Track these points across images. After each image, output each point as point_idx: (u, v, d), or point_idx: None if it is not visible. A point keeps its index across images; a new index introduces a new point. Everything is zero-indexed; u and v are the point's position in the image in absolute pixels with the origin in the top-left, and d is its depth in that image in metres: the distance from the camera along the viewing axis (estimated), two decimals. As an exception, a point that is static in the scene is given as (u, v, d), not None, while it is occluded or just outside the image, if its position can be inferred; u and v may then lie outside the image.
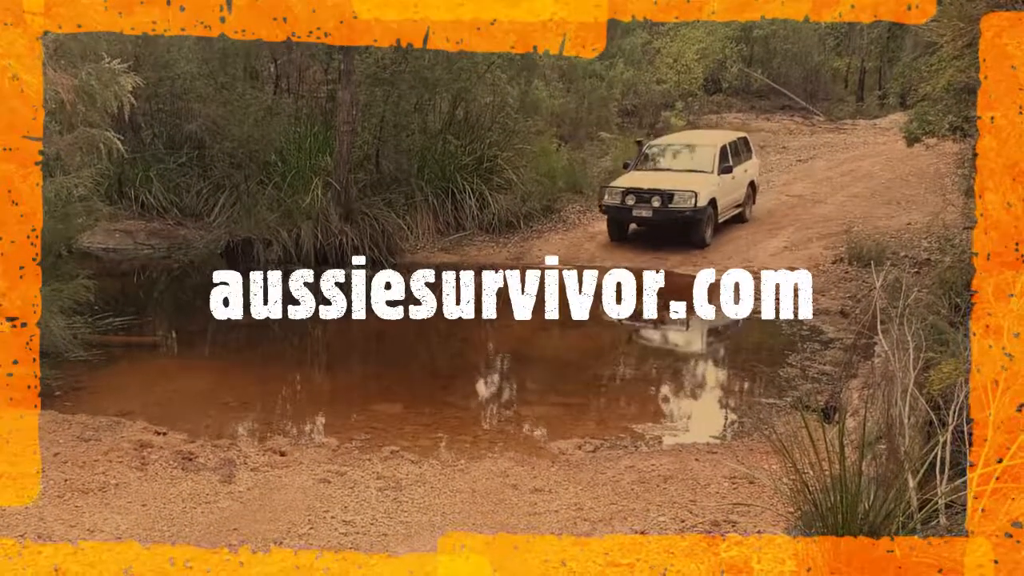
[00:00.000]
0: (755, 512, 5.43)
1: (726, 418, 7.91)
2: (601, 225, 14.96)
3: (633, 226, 14.58)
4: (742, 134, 16.71)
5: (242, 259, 13.57)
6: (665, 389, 8.89)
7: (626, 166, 15.54)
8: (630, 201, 13.84)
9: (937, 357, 5.77)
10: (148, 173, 14.37)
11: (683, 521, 5.36)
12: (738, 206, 15.24)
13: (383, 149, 15.77)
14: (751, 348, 10.04)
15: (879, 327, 7.43)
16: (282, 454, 6.42)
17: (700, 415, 7.96)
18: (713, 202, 13.98)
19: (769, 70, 27.66)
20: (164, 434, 6.76)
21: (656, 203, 13.65)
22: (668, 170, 14.67)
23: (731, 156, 14.92)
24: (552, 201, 16.16)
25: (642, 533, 5.16)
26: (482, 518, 5.43)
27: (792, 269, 12.73)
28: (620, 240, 14.43)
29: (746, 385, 8.79)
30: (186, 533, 5.05)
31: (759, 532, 5.12)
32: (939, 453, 4.50)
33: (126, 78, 7.55)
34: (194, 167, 14.85)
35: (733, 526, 5.22)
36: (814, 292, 11.80)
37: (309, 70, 16.69)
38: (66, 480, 5.75)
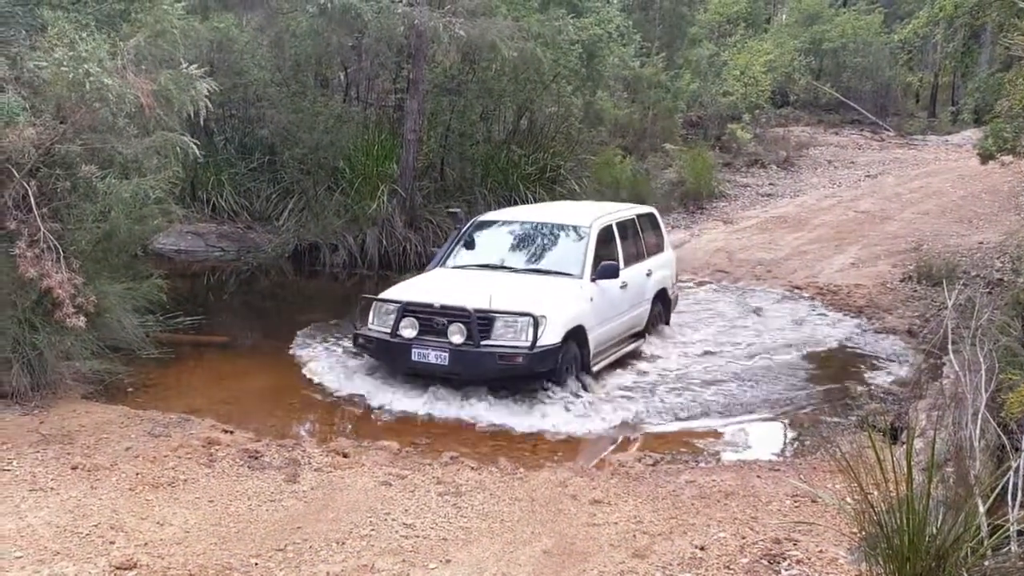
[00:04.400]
0: (817, 531, 5.35)
1: (789, 436, 7.81)
2: (672, 235, 14.29)
3: None
4: (646, 209, 10.89)
5: (308, 263, 13.83)
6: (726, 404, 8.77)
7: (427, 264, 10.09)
8: (408, 331, 7.99)
9: (1010, 380, 5.64)
10: (220, 177, 14.72)
11: (744, 538, 5.30)
12: (634, 335, 9.72)
13: (448, 157, 15.94)
14: (816, 365, 9.89)
15: (949, 347, 7.28)
16: (344, 455, 6.51)
17: (762, 432, 7.87)
18: (579, 335, 8.28)
19: (838, 84, 27.27)
20: (231, 432, 6.91)
21: (457, 337, 7.80)
22: (501, 268, 9.01)
23: (620, 247, 9.40)
24: (615, 212, 16.13)
25: (702, 548, 5.12)
26: (541, 527, 5.45)
27: (858, 286, 12.54)
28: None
29: (810, 402, 8.66)
30: (251, 530, 5.16)
31: (821, 551, 5.05)
32: (1011, 479, 4.39)
33: (202, 83, 7.77)
34: (264, 172, 15.18)
35: (795, 545, 5.16)
36: (880, 310, 11.62)
37: (378, 79, 16.93)
38: (137, 474, 5.92)
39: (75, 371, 7.78)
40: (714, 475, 6.50)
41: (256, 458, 6.39)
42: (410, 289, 8.60)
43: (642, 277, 9.78)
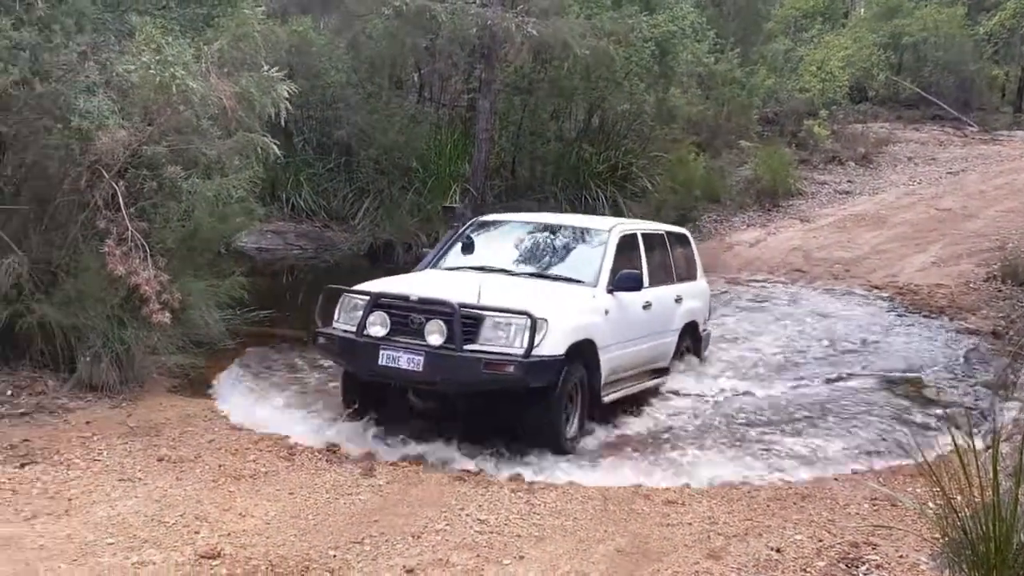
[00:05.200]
0: (897, 536, 5.24)
1: (869, 438, 7.65)
2: (742, 235, 14.25)
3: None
4: (678, 229, 9.76)
5: (384, 261, 14.05)
6: (805, 404, 8.64)
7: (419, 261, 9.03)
8: (378, 329, 6.69)
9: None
10: (299, 177, 15.04)
11: (820, 541, 5.23)
12: (656, 371, 8.44)
13: (519, 156, 16.02)
14: (897, 367, 9.67)
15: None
16: (419, 451, 6.60)
17: (841, 433, 7.72)
18: (588, 353, 7.00)
19: (919, 78, 26.52)
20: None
21: (435, 337, 6.48)
22: (500, 272, 7.72)
23: (645, 261, 8.13)
24: (688, 210, 16.01)
25: (778, 551, 5.07)
26: (614, 526, 5.45)
27: (939, 286, 12.21)
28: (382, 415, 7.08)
29: (891, 404, 8.48)
30: (329, 523, 5.27)
31: (901, 556, 4.95)
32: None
33: (282, 86, 7.95)
34: (341, 172, 15.46)
35: (874, 549, 5.07)
36: (963, 310, 11.30)
37: (451, 79, 17.09)
38: (220, 466, 6.09)
39: (160, 365, 8.04)
40: (790, 476, 6.41)
41: (333, 452, 6.52)
42: (386, 283, 7.40)
43: (670, 302, 8.52)
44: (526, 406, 6.64)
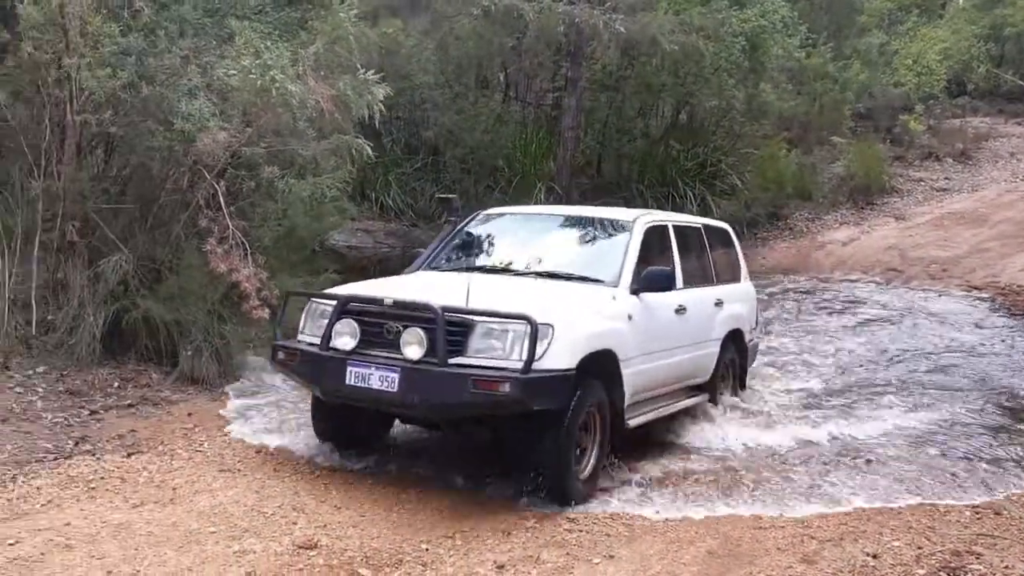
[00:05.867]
0: (1002, 545, 5.07)
1: (972, 444, 7.39)
2: (835, 233, 13.85)
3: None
4: (718, 223, 8.62)
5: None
6: (904, 407, 8.39)
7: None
8: (346, 340, 5.60)
9: None
10: (388, 177, 15.24)
11: (920, 548, 5.09)
12: (694, 388, 7.37)
13: (605, 154, 15.96)
14: (1002, 370, 9.33)
15: None
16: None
17: (942, 438, 7.47)
18: (607, 366, 5.83)
19: (1022, 71, 25.47)
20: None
21: (414, 350, 5.38)
22: (504, 272, 6.64)
23: (678, 259, 7.08)
24: (778, 208, 15.74)
25: (874, 557, 4.95)
26: (704, 528, 5.41)
27: None
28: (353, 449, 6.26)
29: (996, 410, 8.18)
30: (421, 517, 5.35)
31: (1007, 567, 4.79)
32: None
33: (378, 88, 8.09)
34: (428, 172, 15.62)
35: (977, 558, 4.91)
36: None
37: (536, 78, 17.12)
38: (317, 460, 6.25)
39: (257, 359, 8.27)
40: (887, 482, 6.26)
41: (425, 447, 6.63)
42: (363, 286, 6.30)
43: (708, 306, 7.45)
44: (528, 435, 5.40)
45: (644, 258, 6.50)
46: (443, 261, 6.98)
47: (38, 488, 5.39)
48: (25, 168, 7.65)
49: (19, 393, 6.84)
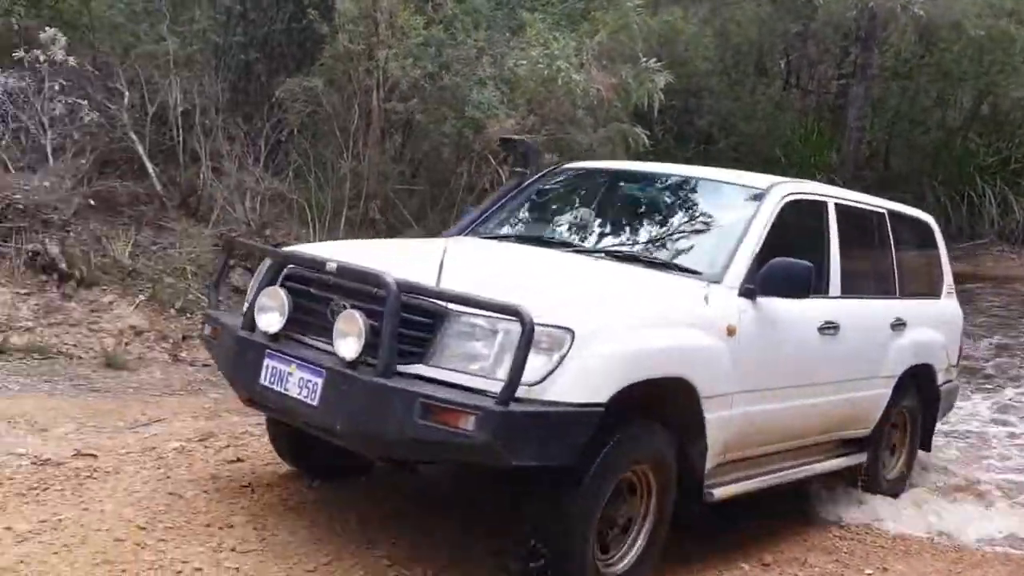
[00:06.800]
0: None
1: None
2: None
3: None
4: (915, 212, 6.19)
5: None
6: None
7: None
8: (272, 319, 3.75)
9: None
10: (662, 165, 15.30)
11: None
12: (847, 444, 5.32)
13: (893, 146, 15.06)
14: None
15: None
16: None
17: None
18: (679, 394, 3.79)
19: None
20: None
21: (348, 345, 3.42)
22: (564, 247, 4.62)
23: (835, 252, 4.91)
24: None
25: None
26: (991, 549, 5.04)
27: None
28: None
29: None
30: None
31: None
32: None
33: (660, 76, 8.14)
34: (699, 161, 15.44)
35: None
36: None
37: (820, 65, 16.43)
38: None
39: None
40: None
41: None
42: (332, 246, 4.44)
43: (880, 327, 5.26)
44: (519, 494, 3.58)
45: (777, 246, 4.28)
46: (493, 225, 4.99)
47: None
48: (336, 150, 8.41)
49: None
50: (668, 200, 4.97)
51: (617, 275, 4.20)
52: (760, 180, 4.78)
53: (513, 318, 3.16)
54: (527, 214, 5.17)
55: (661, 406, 3.75)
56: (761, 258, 4.21)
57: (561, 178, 5.37)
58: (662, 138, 15.85)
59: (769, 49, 16.38)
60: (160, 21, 8.39)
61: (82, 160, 7.53)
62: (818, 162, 13.95)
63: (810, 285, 4.19)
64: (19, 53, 7.29)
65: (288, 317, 3.69)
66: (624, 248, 4.55)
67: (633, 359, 3.50)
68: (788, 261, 4.15)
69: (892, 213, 5.64)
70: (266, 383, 3.64)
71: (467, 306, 3.31)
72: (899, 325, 5.35)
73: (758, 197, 4.53)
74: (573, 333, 3.27)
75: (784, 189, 4.65)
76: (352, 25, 8.03)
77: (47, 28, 7.53)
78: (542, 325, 3.18)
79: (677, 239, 4.55)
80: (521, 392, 3.14)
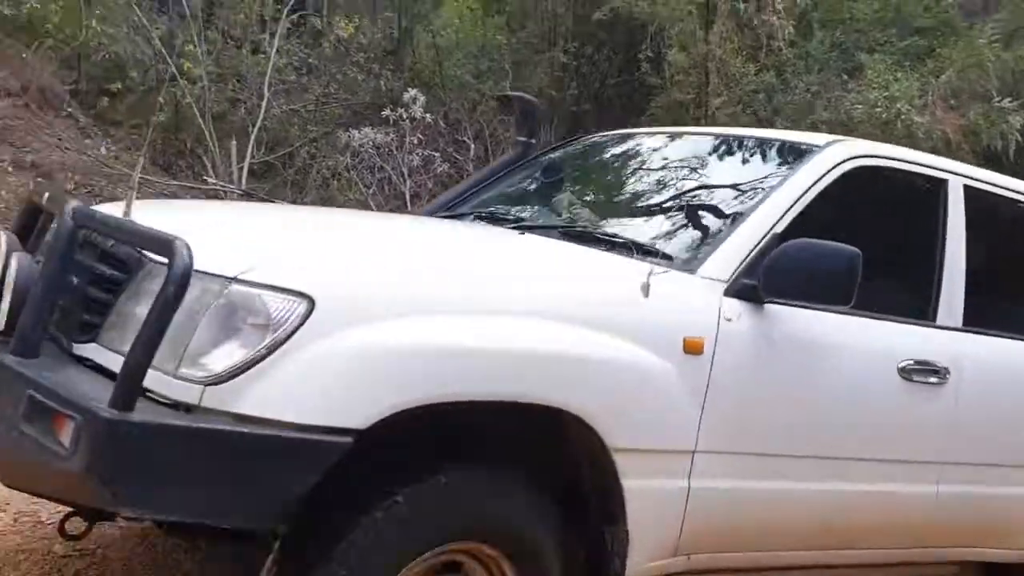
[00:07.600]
0: None
1: None
2: None
3: None
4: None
5: None
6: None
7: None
8: None
9: None
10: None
11: None
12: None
13: None
14: None
15: None
16: None
17: None
18: (581, 441, 2.23)
19: None
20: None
21: None
22: (552, 229, 2.98)
23: (963, 259, 3.02)
24: None
25: None
26: None
27: None
28: None
29: None
30: None
31: None
32: None
33: (1014, 117, 7.52)
34: None
35: None
36: None
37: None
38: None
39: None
40: None
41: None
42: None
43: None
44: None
45: (833, 238, 2.49)
46: (476, 204, 3.53)
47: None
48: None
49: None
50: (693, 167, 3.32)
51: (507, 250, 2.72)
52: (820, 139, 3.12)
53: (165, 259, 1.87)
54: (519, 192, 3.69)
55: (540, 451, 2.29)
56: (769, 244, 2.56)
57: (575, 150, 3.99)
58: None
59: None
60: (503, 79, 9.06)
61: (435, 207, 8.29)
62: None
63: (855, 285, 2.43)
64: (386, 112, 8.14)
65: None
66: (583, 226, 3.08)
67: (437, 358, 2.01)
68: (815, 243, 2.45)
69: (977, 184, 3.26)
70: None
71: (122, 238, 2.10)
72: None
73: (800, 157, 2.91)
74: (312, 302, 1.90)
75: (846, 149, 2.92)
76: (682, 75, 8.19)
77: (409, 89, 8.37)
78: (250, 284, 1.92)
79: (674, 215, 2.99)
80: (182, 391, 1.88)
